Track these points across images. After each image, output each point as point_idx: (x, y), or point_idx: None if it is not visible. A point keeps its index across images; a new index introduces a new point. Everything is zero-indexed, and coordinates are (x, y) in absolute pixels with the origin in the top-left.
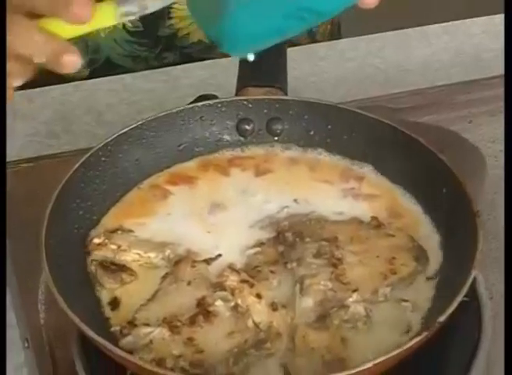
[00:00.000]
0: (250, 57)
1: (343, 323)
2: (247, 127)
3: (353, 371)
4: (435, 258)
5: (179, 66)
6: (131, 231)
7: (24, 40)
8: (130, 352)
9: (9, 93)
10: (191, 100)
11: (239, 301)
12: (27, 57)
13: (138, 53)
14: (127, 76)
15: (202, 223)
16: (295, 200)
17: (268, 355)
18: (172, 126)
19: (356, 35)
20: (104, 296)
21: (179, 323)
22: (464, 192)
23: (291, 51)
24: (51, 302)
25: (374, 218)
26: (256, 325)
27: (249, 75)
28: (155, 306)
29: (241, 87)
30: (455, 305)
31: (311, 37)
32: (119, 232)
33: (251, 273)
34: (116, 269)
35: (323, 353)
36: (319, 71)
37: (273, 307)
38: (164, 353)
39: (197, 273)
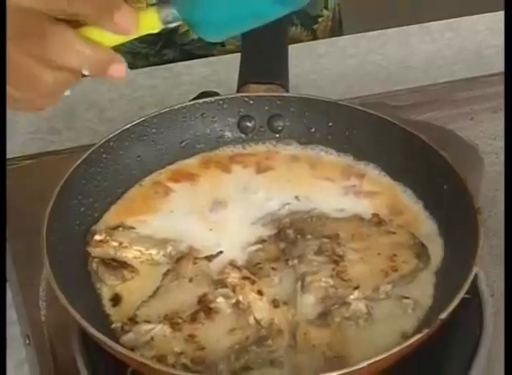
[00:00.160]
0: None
1: (344, 320)
2: (248, 124)
3: (354, 368)
4: (436, 255)
5: (180, 63)
6: (132, 228)
7: (70, 51)
8: (131, 349)
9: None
10: (193, 97)
11: (240, 298)
12: (74, 68)
13: (138, 50)
14: (129, 73)
15: (203, 220)
16: (296, 197)
17: (270, 351)
18: (174, 123)
19: (357, 32)
20: (106, 293)
21: (180, 320)
22: (465, 189)
23: (292, 49)
24: (52, 299)
25: (375, 215)
26: (257, 322)
27: (250, 72)
28: (156, 303)
29: (242, 84)
30: (456, 302)
31: (312, 34)
32: (121, 229)
33: (253, 270)
34: (117, 266)
35: (324, 350)
36: (320, 68)
37: (274, 304)
38: (165, 350)
39: (198, 270)
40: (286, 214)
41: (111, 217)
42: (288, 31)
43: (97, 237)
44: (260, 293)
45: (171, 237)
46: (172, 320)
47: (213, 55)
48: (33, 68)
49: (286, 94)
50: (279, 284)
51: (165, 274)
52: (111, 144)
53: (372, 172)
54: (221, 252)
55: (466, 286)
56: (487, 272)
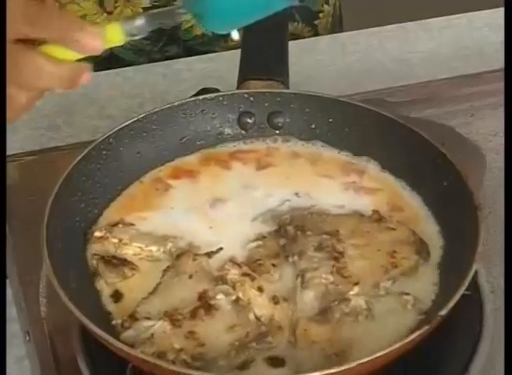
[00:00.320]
0: (235, 35)
1: (344, 316)
2: (248, 121)
3: (354, 364)
4: (437, 251)
5: (180, 60)
6: (132, 225)
7: (42, 75)
8: (131, 346)
9: (14, 115)
10: (193, 93)
11: (240, 295)
12: (46, 88)
13: (141, 46)
14: (129, 70)
15: (203, 217)
16: (296, 193)
17: (270, 348)
18: (174, 120)
19: (357, 28)
20: (106, 289)
21: (180, 317)
22: (465, 185)
23: (292, 45)
24: (52, 295)
25: (375, 211)
26: (257, 318)
27: (250, 68)
28: (156, 300)
29: (243, 80)
30: (456, 298)
31: (314, 29)
32: (121, 225)
33: (253, 267)
34: (118, 263)
35: (324, 346)
36: (320, 64)
37: (274, 300)
38: (165, 346)
39: (198, 267)
40: (286, 210)
41: (111, 214)
42: (288, 28)
43: (97, 234)
44: (260, 289)
45: (171, 233)
46: (172, 317)
47: (216, 52)
48: (7, 90)
49: (286, 91)
50: (279, 281)
51: (165, 271)
52: (111, 140)
53: (372, 168)
54: (221, 249)
55: (466, 282)
56: (487, 268)
